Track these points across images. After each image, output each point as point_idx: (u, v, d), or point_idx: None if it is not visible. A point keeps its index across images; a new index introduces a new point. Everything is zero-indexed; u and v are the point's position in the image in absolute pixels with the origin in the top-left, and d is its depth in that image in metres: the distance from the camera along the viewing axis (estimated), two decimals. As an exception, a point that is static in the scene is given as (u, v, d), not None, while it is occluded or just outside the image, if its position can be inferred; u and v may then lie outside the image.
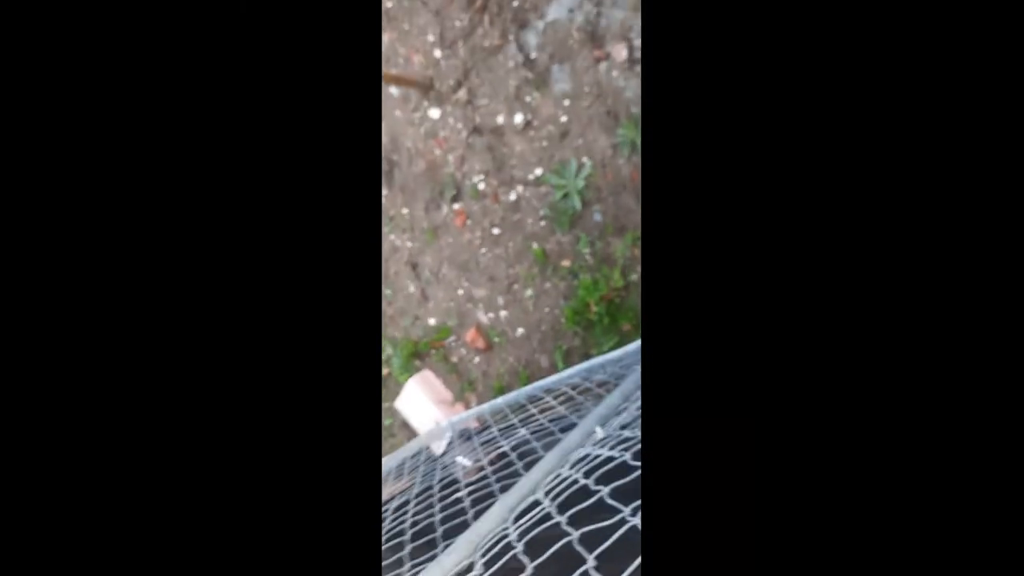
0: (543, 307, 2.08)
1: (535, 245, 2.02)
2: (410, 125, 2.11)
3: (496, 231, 2.09)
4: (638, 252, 1.85)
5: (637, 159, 1.77)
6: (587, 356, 2.03)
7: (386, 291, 2.32)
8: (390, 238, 2.26)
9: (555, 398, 1.47)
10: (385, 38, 2.06)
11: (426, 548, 0.77)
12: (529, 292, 2.09)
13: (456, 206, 2.14)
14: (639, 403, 1.00)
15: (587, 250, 1.93)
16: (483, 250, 2.14)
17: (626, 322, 1.92)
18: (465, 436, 1.66)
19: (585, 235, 1.92)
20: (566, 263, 1.99)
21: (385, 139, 2.16)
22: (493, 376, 2.26)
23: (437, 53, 2.00)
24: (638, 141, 1.73)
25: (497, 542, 0.59)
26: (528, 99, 1.88)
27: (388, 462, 1.67)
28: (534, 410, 1.35)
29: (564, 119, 1.85)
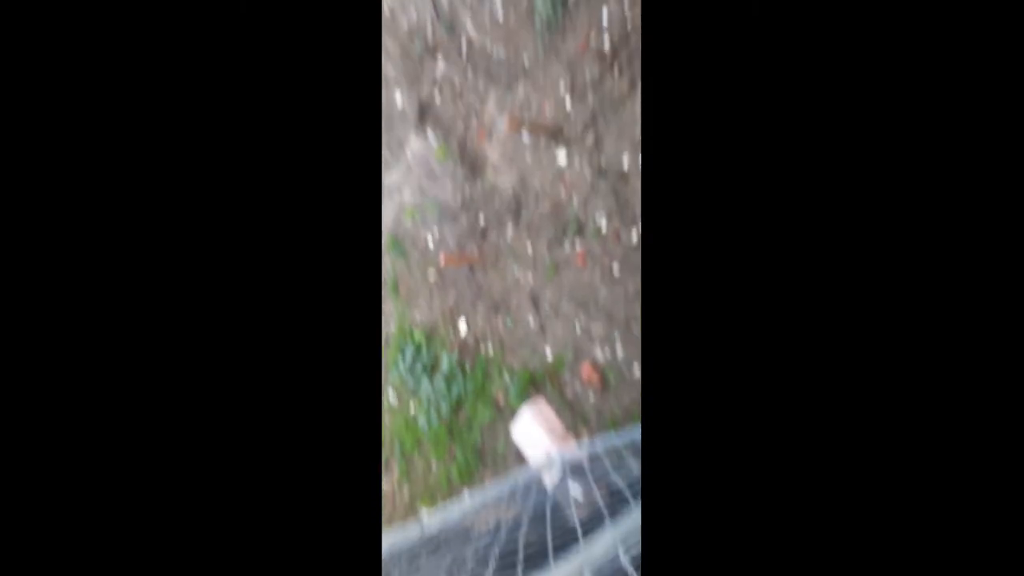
0: (661, 348, 2.06)
1: (655, 285, 2.02)
2: (539, 167, 2.25)
3: (616, 270, 2.13)
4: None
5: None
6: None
7: (507, 322, 2.45)
8: (515, 272, 2.39)
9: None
10: (520, 89, 2.24)
11: (538, 563, 0.82)
12: (647, 332, 2.09)
13: (578, 245, 2.22)
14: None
15: (709, 292, 1.90)
16: (602, 288, 2.19)
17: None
18: (578, 470, 1.69)
19: (708, 277, 1.89)
20: (687, 305, 1.97)
21: (514, 179, 2.32)
22: (607, 414, 2.27)
23: (567, 101, 2.14)
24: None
25: (607, 561, 0.62)
26: (654, 143, 1.93)
27: (499, 488, 1.74)
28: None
29: (690, 162, 1.86)
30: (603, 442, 1.98)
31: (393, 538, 1.29)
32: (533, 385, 2.36)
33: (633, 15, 1.86)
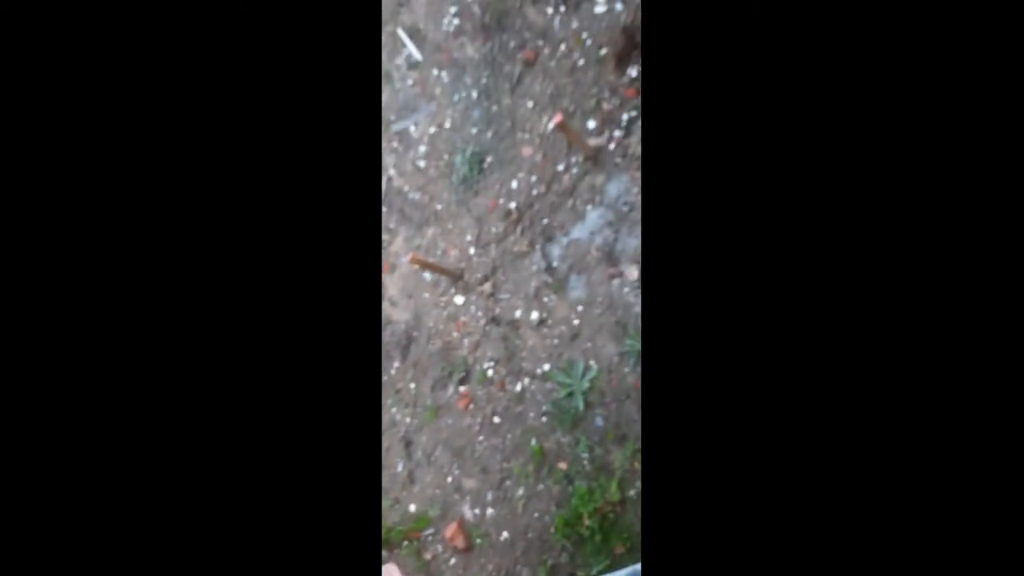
0: (533, 511, 1.94)
1: (534, 441, 1.96)
2: (435, 307, 2.25)
3: (497, 420, 2.07)
4: (638, 465, 1.77)
5: (642, 370, 1.81)
6: (573, 578, 1.81)
7: (374, 466, 2.22)
8: (391, 411, 2.24)
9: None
10: (430, 232, 2.33)
11: None
12: (521, 492, 1.97)
13: (462, 388, 2.16)
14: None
15: (586, 455, 1.86)
16: (481, 438, 2.09)
17: (619, 543, 1.74)
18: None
19: (585, 438, 1.87)
20: (563, 465, 1.91)
21: (409, 316, 2.30)
22: (467, 585, 2.01)
23: (472, 251, 2.24)
24: (644, 353, 1.79)
25: None
26: (545, 299, 2.02)
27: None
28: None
29: (576, 322, 1.95)
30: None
31: None
32: (387, 545, 2.08)
33: (539, 187, 2.07)
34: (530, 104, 2.13)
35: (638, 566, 1.45)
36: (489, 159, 2.23)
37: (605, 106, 1.97)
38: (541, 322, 2.02)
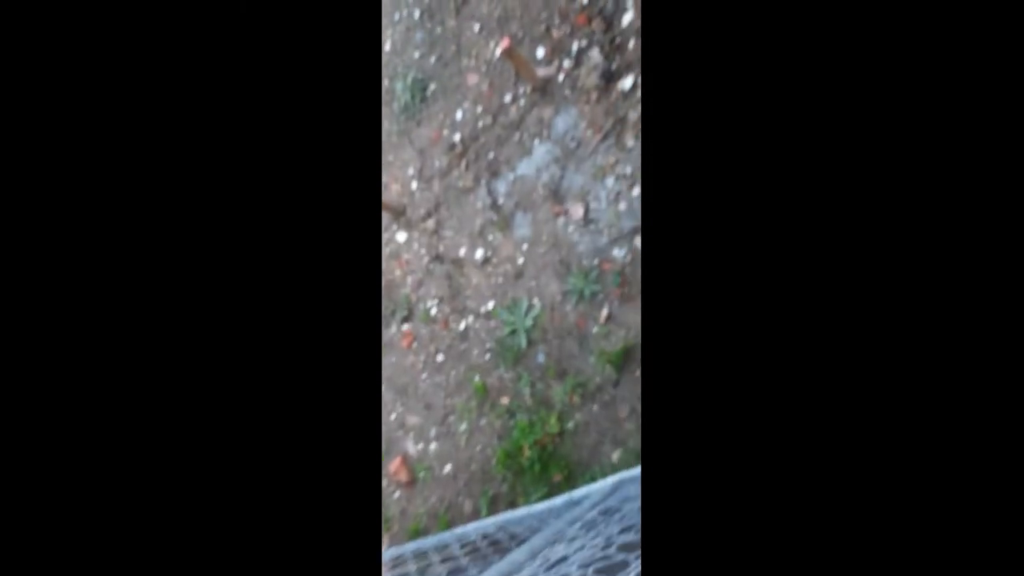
0: (475, 445, 1.98)
1: (477, 378, 1.98)
2: (376, 244, 2.17)
3: (440, 358, 2.06)
4: (576, 399, 1.82)
5: (584, 307, 1.83)
6: (513, 505, 1.89)
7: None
8: (332, 349, 2.20)
9: (465, 552, 1.33)
10: (369, 165, 2.21)
11: None
12: (464, 426, 2.00)
13: (405, 327, 2.13)
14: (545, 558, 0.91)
15: (527, 390, 1.90)
16: (424, 375, 2.09)
17: (557, 472, 1.82)
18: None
19: (527, 374, 1.90)
20: (505, 400, 1.94)
21: (349, 253, 2.21)
22: (411, 516, 2.06)
23: (414, 185, 2.15)
24: (586, 291, 1.80)
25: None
26: (490, 238, 1.98)
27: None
28: (436, 558, 1.21)
29: (521, 261, 1.94)
30: (411, 545, 1.77)
31: None
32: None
33: (485, 119, 1.98)
34: (476, 27, 1.99)
35: (622, 474, 1.51)
36: (432, 87, 2.10)
37: (555, 33, 1.87)
38: (486, 260, 1.99)
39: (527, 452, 1.84)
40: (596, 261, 1.81)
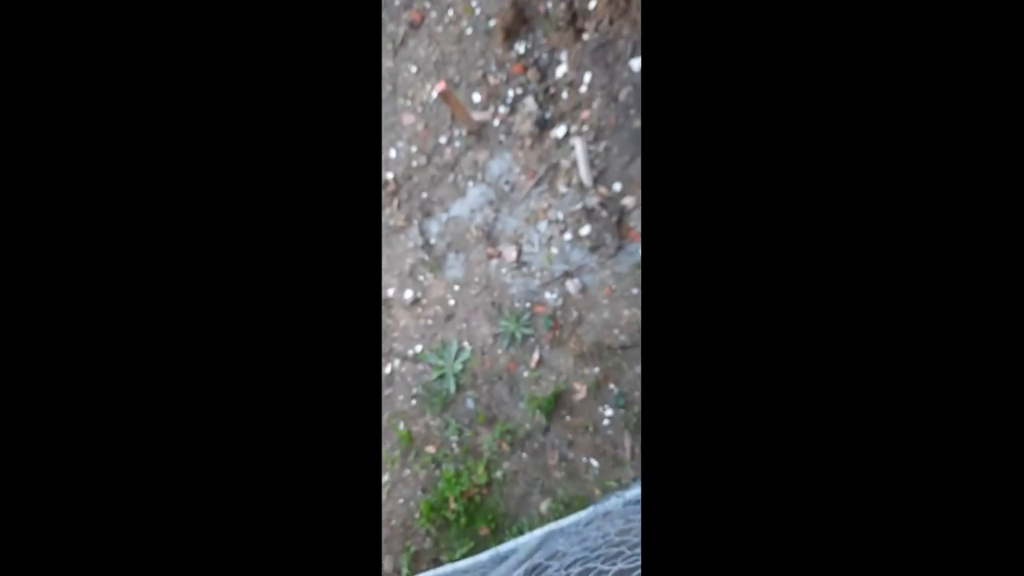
0: (398, 497, 1.86)
1: (401, 425, 1.88)
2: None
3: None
4: (505, 446, 1.76)
5: (515, 351, 1.79)
6: (437, 562, 1.77)
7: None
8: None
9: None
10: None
11: None
12: (385, 478, 1.88)
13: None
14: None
15: (455, 438, 1.82)
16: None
17: (484, 525, 1.73)
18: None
19: (455, 421, 1.83)
20: (431, 449, 1.85)
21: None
22: (323, 578, 1.89)
23: (343, 221, 2.07)
24: (518, 334, 1.78)
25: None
26: (421, 278, 1.93)
27: None
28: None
29: (452, 302, 1.89)
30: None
31: None
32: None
33: (420, 159, 1.96)
34: (413, 69, 2.00)
35: (550, 526, 1.44)
36: (367, 124, 2.07)
37: (491, 80, 1.91)
38: (415, 301, 1.93)
39: (453, 504, 1.75)
40: (528, 304, 1.80)
